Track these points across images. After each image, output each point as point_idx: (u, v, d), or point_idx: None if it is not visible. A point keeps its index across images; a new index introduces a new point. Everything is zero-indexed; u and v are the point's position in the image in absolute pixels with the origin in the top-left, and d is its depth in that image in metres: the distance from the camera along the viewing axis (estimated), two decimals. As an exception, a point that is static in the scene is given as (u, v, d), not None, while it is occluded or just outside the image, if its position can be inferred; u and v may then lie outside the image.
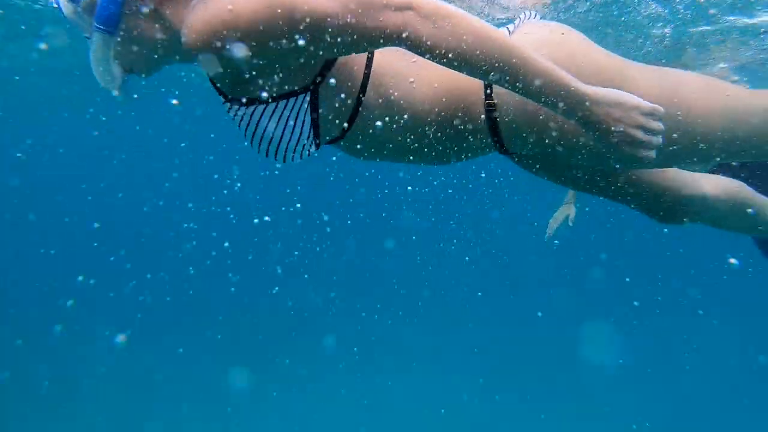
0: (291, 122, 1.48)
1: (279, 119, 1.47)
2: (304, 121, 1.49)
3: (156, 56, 1.51)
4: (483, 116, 1.60)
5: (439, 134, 1.62)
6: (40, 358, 9.18)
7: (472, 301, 13.84)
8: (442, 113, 1.59)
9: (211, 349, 10.23)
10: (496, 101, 1.58)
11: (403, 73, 1.58)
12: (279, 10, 1.24)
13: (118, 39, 1.47)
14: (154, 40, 1.47)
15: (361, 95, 1.53)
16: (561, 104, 1.34)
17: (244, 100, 1.48)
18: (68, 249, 15.73)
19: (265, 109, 1.47)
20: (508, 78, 1.30)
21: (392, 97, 1.55)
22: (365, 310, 12.36)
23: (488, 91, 1.58)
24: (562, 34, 1.63)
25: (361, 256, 17.74)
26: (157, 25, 1.46)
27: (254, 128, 1.49)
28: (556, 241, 4.09)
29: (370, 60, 1.55)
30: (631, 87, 1.52)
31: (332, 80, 1.49)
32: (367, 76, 1.53)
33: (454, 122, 1.61)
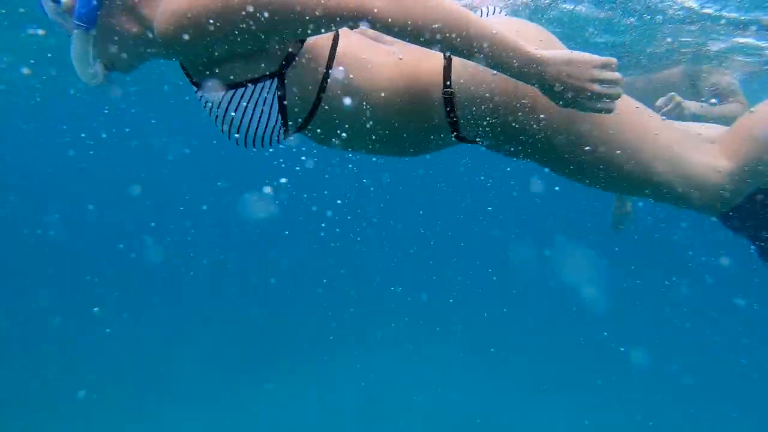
0: (259, 107, 1.53)
1: (247, 105, 1.52)
2: (271, 106, 1.54)
3: (134, 51, 1.59)
4: (440, 103, 1.62)
5: (399, 121, 1.64)
6: (41, 359, 9.24)
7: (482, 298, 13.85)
8: (401, 100, 1.62)
9: (210, 349, 10.25)
10: (453, 88, 1.61)
11: (364, 60, 1.62)
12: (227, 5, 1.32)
13: (97, 35, 1.56)
14: (131, 35, 1.56)
15: (324, 81, 1.57)
16: (515, 68, 1.39)
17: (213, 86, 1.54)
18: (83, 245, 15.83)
19: (233, 95, 1.51)
20: (464, 46, 1.35)
21: (353, 84, 1.59)
22: (368, 309, 12.40)
23: (447, 79, 1.61)
24: (517, 30, 1.66)
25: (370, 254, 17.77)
26: (133, 21, 1.56)
27: (223, 114, 1.54)
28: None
29: (334, 47, 1.60)
30: None
31: (297, 66, 1.54)
32: (330, 63, 1.58)
33: (413, 108, 1.63)
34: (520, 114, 1.60)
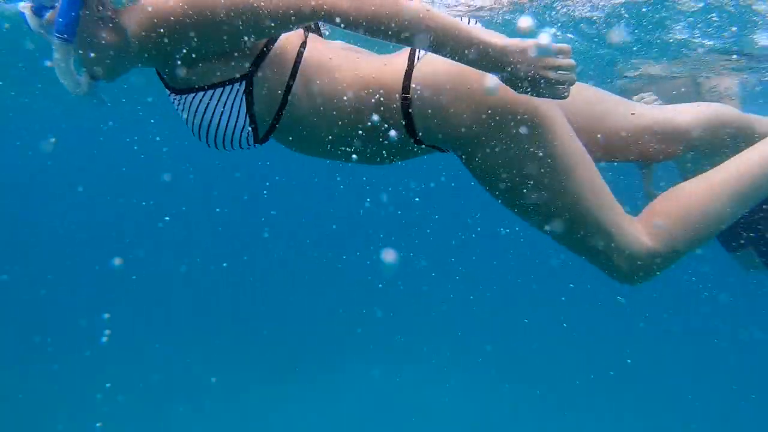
0: (227, 109, 1.61)
1: (215, 107, 1.61)
2: (239, 108, 1.62)
3: (115, 60, 1.65)
4: (398, 107, 1.66)
5: (362, 126, 1.69)
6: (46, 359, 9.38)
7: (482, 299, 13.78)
8: (363, 104, 1.67)
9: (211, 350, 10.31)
10: (411, 93, 1.65)
11: (329, 65, 1.67)
12: (201, 3, 1.43)
13: (79, 47, 1.63)
14: (112, 45, 1.62)
15: (289, 85, 1.64)
16: (472, 56, 1.42)
17: (185, 89, 1.62)
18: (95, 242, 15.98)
19: (203, 96, 1.60)
20: (419, 35, 1.39)
21: (317, 88, 1.65)
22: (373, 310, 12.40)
23: (407, 83, 1.65)
24: None
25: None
26: (112, 31, 1.60)
27: (193, 116, 1.63)
28: None
29: (301, 51, 1.67)
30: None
31: (265, 69, 1.61)
32: (296, 66, 1.64)
33: (373, 114, 1.68)
34: (474, 127, 1.63)
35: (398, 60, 1.71)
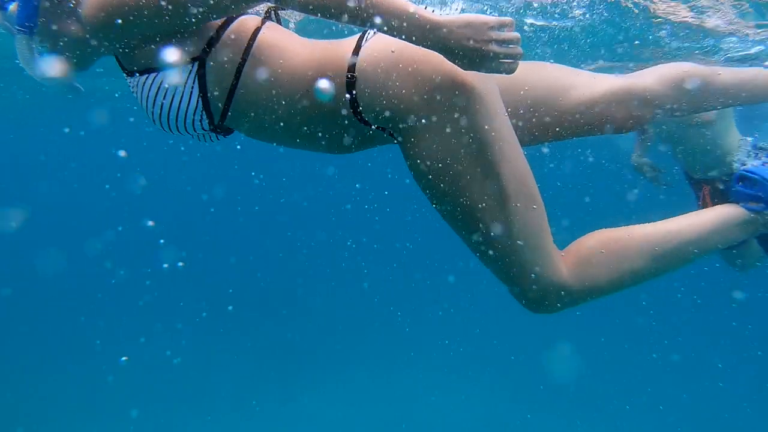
0: (179, 91, 1.62)
1: (167, 88, 1.62)
2: (192, 90, 1.63)
3: (80, 49, 1.69)
4: (343, 84, 1.66)
5: (311, 107, 1.68)
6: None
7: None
8: (312, 84, 1.66)
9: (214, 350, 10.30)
10: (356, 72, 1.64)
11: (280, 49, 1.68)
12: None
13: (47, 39, 1.68)
14: (74, 35, 1.67)
15: (241, 66, 1.65)
16: (415, 34, 1.44)
17: (139, 71, 1.64)
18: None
19: (155, 77, 1.62)
20: (359, 13, 1.41)
21: (268, 70, 1.66)
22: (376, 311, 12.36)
23: (352, 61, 1.66)
24: None
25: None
26: (75, 22, 1.67)
27: (146, 98, 1.64)
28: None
29: (255, 35, 1.67)
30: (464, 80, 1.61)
31: (217, 51, 1.63)
32: (248, 49, 1.66)
33: (322, 93, 1.67)
34: (413, 103, 1.61)
35: (349, 41, 1.72)
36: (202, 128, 1.71)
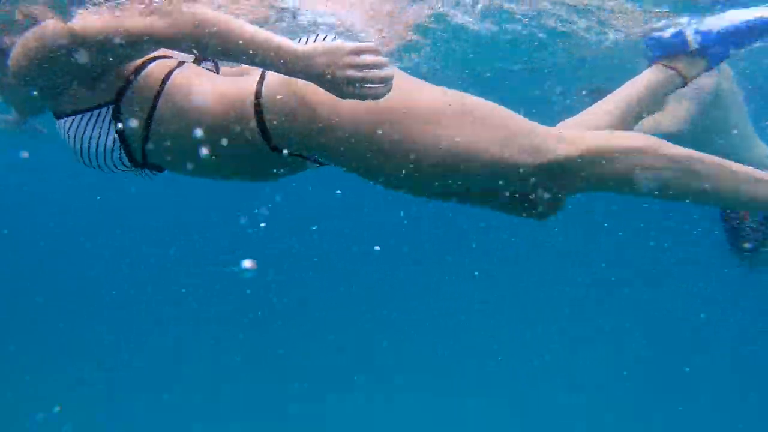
0: (96, 133, 1.73)
1: (85, 130, 1.73)
2: (108, 131, 1.73)
3: (15, 95, 1.97)
4: (252, 113, 1.71)
5: (224, 136, 1.73)
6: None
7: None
8: (222, 121, 1.72)
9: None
10: (262, 100, 1.70)
11: (190, 83, 1.75)
12: (42, 45, 1.60)
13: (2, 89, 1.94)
14: (8, 83, 1.84)
15: (155, 104, 1.73)
16: (281, 66, 1.50)
17: (65, 114, 1.75)
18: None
19: (74, 121, 1.73)
20: (227, 50, 1.51)
21: (179, 105, 1.73)
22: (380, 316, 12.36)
23: (258, 88, 1.71)
24: None
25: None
26: (7, 71, 1.75)
27: (71, 139, 1.75)
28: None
29: (168, 76, 1.75)
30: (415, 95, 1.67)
31: (131, 93, 1.72)
32: (161, 89, 1.73)
33: (234, 128, 1.73)
34: (319, 124, 1.66)
35: (256, 70, 1.78)
36: (124, 165, 1.79)
